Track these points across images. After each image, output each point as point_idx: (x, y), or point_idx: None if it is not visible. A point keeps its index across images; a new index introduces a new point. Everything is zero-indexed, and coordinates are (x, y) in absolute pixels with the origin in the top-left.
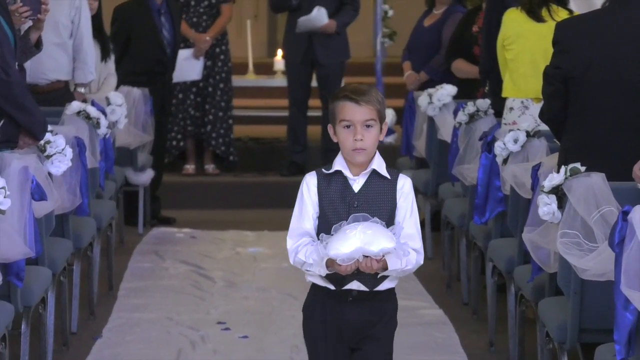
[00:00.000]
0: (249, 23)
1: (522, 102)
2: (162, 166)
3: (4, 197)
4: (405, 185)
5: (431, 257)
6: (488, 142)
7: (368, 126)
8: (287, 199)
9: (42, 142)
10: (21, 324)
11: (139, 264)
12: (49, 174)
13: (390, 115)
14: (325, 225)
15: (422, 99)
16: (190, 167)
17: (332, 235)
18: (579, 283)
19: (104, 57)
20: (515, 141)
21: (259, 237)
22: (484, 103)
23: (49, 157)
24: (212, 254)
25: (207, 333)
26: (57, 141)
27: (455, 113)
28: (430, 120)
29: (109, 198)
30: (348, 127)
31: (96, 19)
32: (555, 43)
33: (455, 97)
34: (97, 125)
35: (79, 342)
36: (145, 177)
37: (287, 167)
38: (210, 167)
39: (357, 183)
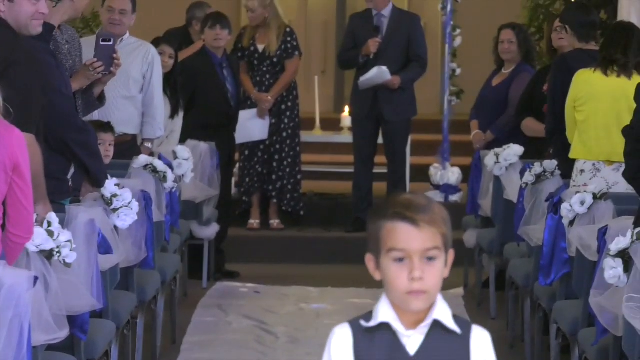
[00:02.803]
0: (317, 79)
1: (593, 164)
2: (228, 219)
3: (70, 250)
4: (483, 343)
5: (495, 317)
6: (554, 204)
7: (430, 258)
8: (352, 256)
9: (108, 195)
10: None
11: (202, 317)
12: (115, 227)
13: (456, 173)
14: None
15: (489, 159)
16: (254, 222)
17: None
18: None
19: (173, 114)
20: (582, 203)
21: (322, 293)
22: (550, 164)
23: (115, 210)
24: (275, 309)
25: None
26: (124, 195)
27: (521, 173)
28: (497, 180)
29: (173, 252)
30: (401, 260)
31: (172, 76)
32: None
33: (522, 157)
34: (164, 179)
35: None
36: (211, 231)
37: (351, 224)
38: (275, 222)
39: (412, 341)
